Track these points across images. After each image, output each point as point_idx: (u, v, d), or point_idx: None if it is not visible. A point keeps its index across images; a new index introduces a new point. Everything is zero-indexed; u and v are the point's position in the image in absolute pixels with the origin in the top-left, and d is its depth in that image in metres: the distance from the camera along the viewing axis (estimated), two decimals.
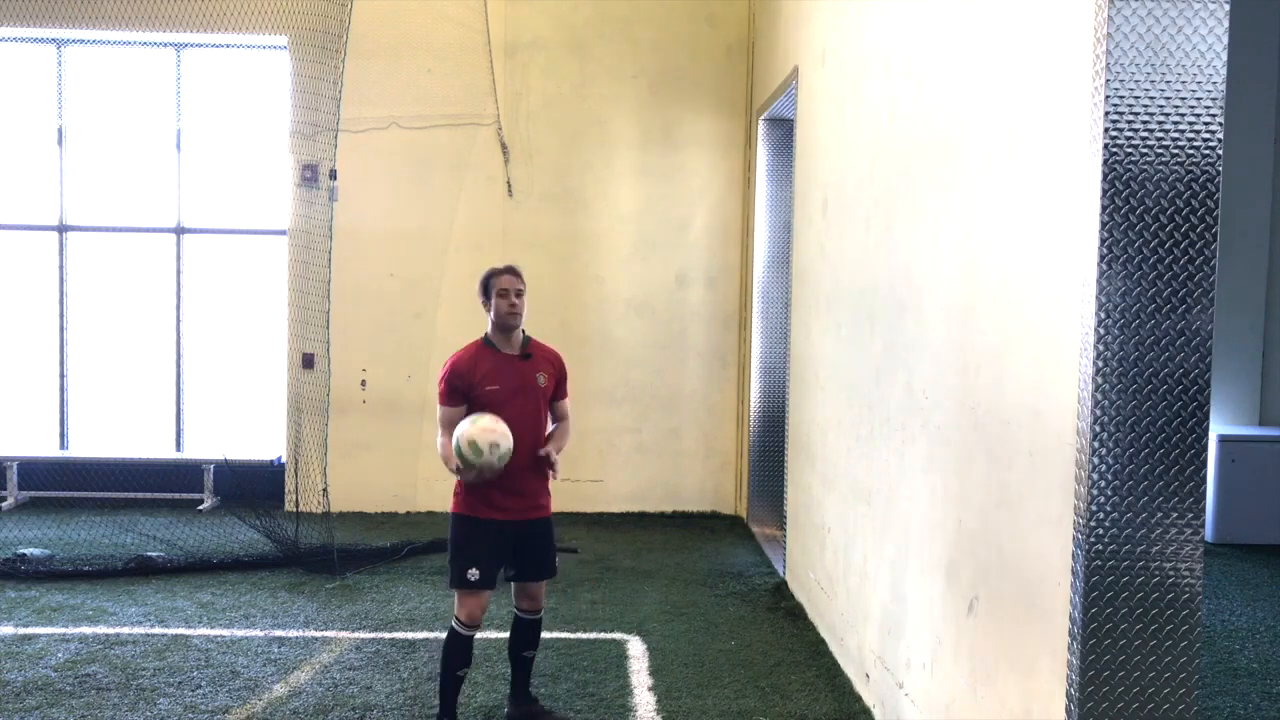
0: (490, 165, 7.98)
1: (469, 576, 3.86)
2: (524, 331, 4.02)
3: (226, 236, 8.39)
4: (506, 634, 5.12)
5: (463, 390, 3.88)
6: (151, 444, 8.37)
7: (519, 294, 3.94)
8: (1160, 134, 2.39)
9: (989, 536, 3.09)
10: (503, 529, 3.92)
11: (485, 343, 3.98)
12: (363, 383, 7.97)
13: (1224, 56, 2.38)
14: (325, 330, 7.43)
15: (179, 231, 8.32)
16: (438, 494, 7.88)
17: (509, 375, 3.93)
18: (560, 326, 8.04)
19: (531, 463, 3.92)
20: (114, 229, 8.37)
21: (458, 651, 3.92)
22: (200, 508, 7.99)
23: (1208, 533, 7.13)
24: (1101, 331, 2.43)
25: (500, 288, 3.92)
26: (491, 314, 3.94)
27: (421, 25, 7.85)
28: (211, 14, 7.76)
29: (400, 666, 4.70)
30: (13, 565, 6.11)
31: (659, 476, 8.16)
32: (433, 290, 7.99)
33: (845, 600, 4.77)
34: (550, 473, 3.97)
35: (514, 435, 3.78)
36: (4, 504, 8.02)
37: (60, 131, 8.27)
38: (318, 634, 5.16)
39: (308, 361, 7.76)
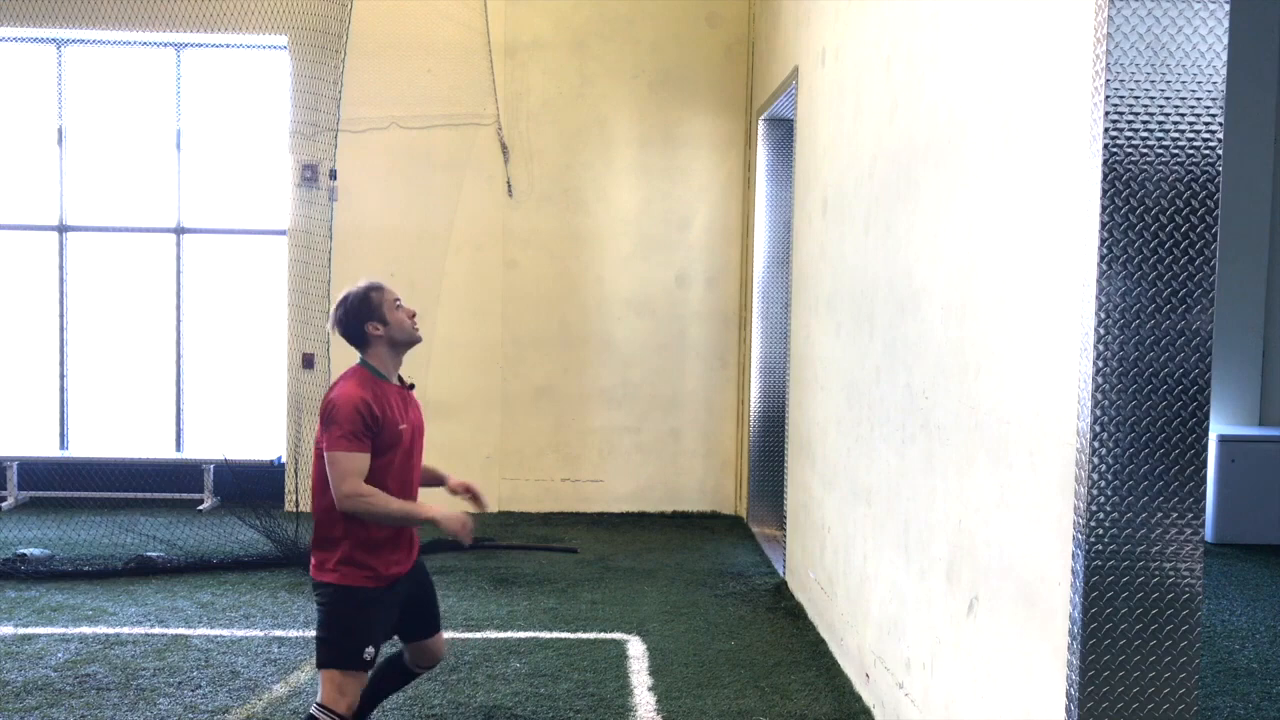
0: (490, 165, 7.98)
1: (365, 655, 3.23)
2: None
3: (226, 236, 8.39)
4: (507, 633, 5.14)
5: (372, 430, 3.22)
6: (151, 444, 8.38)
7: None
8: (1160, 134, 2.39)
9: (989, 536, 3.09)
10: (396, 588, 3.38)
11: (372, 373, 3.37)
12: None
13: (1224, 56, 2.38)
14: (325, 330, 7.43)
15: (179, 231, 8.32)
16: (436, 494, 7.88)
17: (406, 410, 3.40)
18: (560, 326, 8.05)
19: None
20: (114, 229, 8.37)
21: None
22: (200, 508, 7.99)
23: (1208, 533, 7.13)
24: (1101, 331, 2.43)
25: (392, 300, 3.38)
26: (386, 332, 3.36)
27: (421, 25, 7.85)
28: (211, 14, 7.76)
29: None
30: (13, 565, 6.11)
31: (659, 476, 8.16)
32: (433, 290, 7.99)
33: (845, 600, 4.77)
34: (479, 503, 3.61)
35: (412, 477, 3.43)
36: (4, 504, 8.02)
37: (60, 131, 8.27)
38: None
39: (308, 361, 7.76)
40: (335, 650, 3.24)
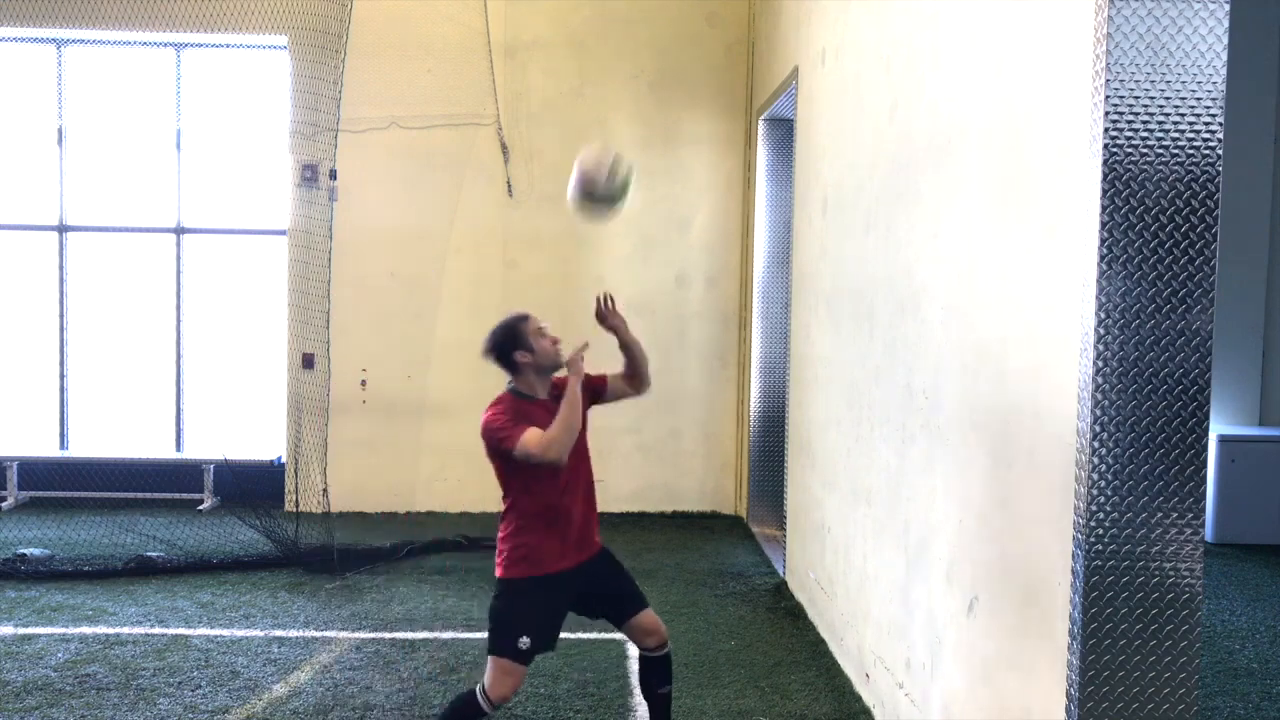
0: (490, 165, 7.98)
1: (520, 645, 3.43)
2: None
3: (226, 236, 8.39)
4: None
5: (526, 422, 3.47)
6: (151, 444, 8.37)
7: None
8: (1160, 134, 2.39)
9: (989, 536, 3.09)
10: (561, 582, 3.56)
11: (516, 395, 3.60)
12: (363, 383, 7.97)
13: (1224, 56, 2.38)
14: (325, 330, 7.43)
15: (179, 231, 8.32)
16: (437, 494, 7.88)
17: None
18: (560, 327, 8.02)
19: (587, 503, 3.65)
20: (114, 229, 8.37)
21: None
22: (200, 508, 7.99)
23: (1208, 533, 7.13)
24: (1101, 331, 2.43)
25: (536, 328, 3.62)
26: (534, 359, 3.59)
27: (421, 25, 7.85)
28: (211, 14, 7.76)
29: (400, 666, 4.70)
30: (13, 565, 6.12)
31: (659, 476, 8.15)
32: (433, 290, 7.99)
33: (845, 600, 4.77)
34: (617, 321, 3.75)
35: (571, 482, 3.55)
36: (4, 504, 8.01)
37: (60, 131, 8.27)
38: (318, 634, 5.16)
39: (308, 361, 7.76)
40: (493, 638, 3.51)
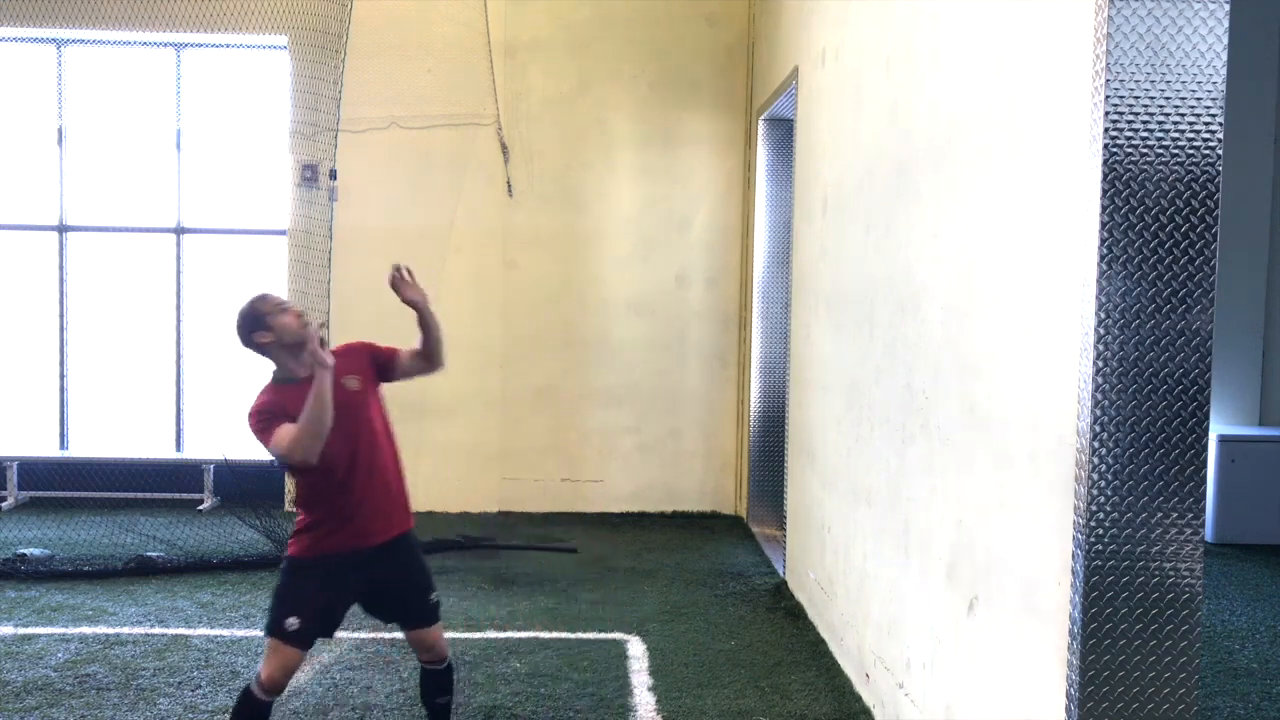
0: (490, 165, 7.98)
1: (287, 625, 3.30)
2: None
3: (226, 236, 8.39)
4: (507, 633, 5.14)
5: (282, 418, 3.28)
6: (151, 444, 8.37)
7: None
8: (1160, 134, 2.39)
9: (989, 536, 3.09)
10: (344, 564, 3.43)
11: (277, 383, 3.43)
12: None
13: (1224, 56, 2.39)
14: (325, 330, 7.43)
15: (179, 231, 8.32)
16: (435, 494, 7.87)
17: None
18: (561, 327, 8.05)
19: (378, 482, 3.49)
20: (114, 229, 8.37)
21: (251, 717, 3.36)
22: (200, 508, 7.99)
23: (1208, 533, 7.13)
24: (1101, 331, 2.43)
25: (274, 305, 3.41)
26: (277, 339, 3.38)
27: (421, 25, 7.85)
28: (211, 14, 7.76)
29: (400, 666, 4.70)
30: (13, 565, 6.11)
31: (659, 476, 8.15)
32: (432, 290, 7.94)
33: (845, 600, 4.77)
34: (416, 294, 3.58)
35: (348, 454, 3.38)
36: (4, 504, 8.01)
37: (60, 131, 8.27)
38: None
39: None
40: (268, 616, 3.40)
